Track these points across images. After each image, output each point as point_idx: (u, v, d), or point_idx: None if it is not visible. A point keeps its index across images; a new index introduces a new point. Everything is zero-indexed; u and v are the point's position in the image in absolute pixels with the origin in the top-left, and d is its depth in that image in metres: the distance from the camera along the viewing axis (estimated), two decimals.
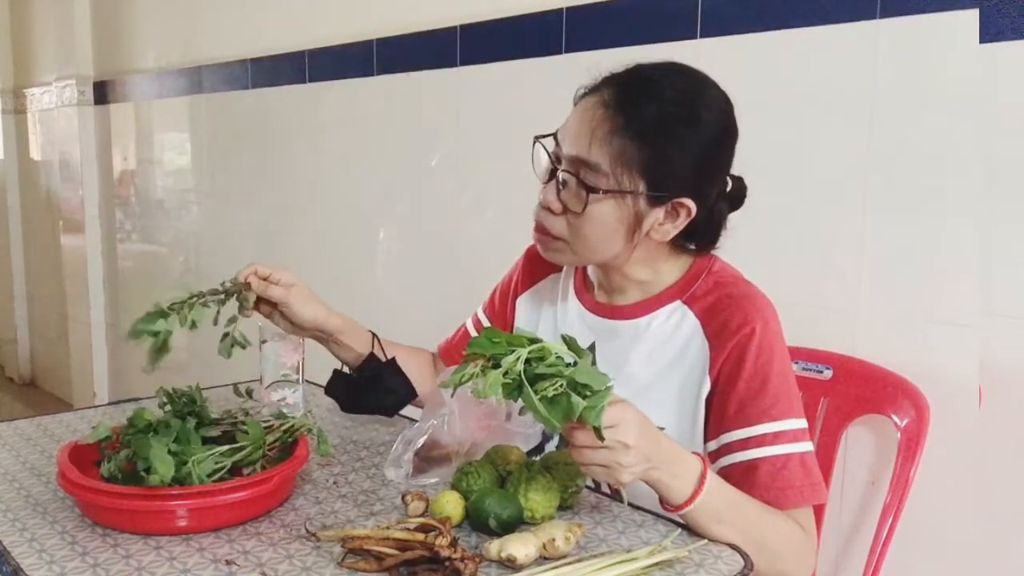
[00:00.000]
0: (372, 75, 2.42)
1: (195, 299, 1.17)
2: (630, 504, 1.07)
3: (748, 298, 1.12)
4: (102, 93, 3.88)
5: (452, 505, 1.01)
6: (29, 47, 4.55)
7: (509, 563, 0.91)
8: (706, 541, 1.00)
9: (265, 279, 1.25)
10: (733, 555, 0.97)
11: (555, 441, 1.23)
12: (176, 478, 0.98)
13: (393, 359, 1.35)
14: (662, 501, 1.02)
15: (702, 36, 1.64)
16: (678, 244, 1.17)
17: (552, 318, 1.30)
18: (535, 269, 1.35)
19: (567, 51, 1.89)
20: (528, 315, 1.34)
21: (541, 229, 1.16)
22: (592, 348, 1.22)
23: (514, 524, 0.99)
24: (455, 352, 1.41)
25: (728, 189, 1.16)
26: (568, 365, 0.94)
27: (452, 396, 1.13)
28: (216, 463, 1.02)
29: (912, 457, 1.36)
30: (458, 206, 2.22)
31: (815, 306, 1.52)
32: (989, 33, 1.30)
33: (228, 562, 0.92)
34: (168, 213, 3.58)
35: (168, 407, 1.13)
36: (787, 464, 1.06)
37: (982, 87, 1.32)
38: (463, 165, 2.21)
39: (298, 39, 2.68)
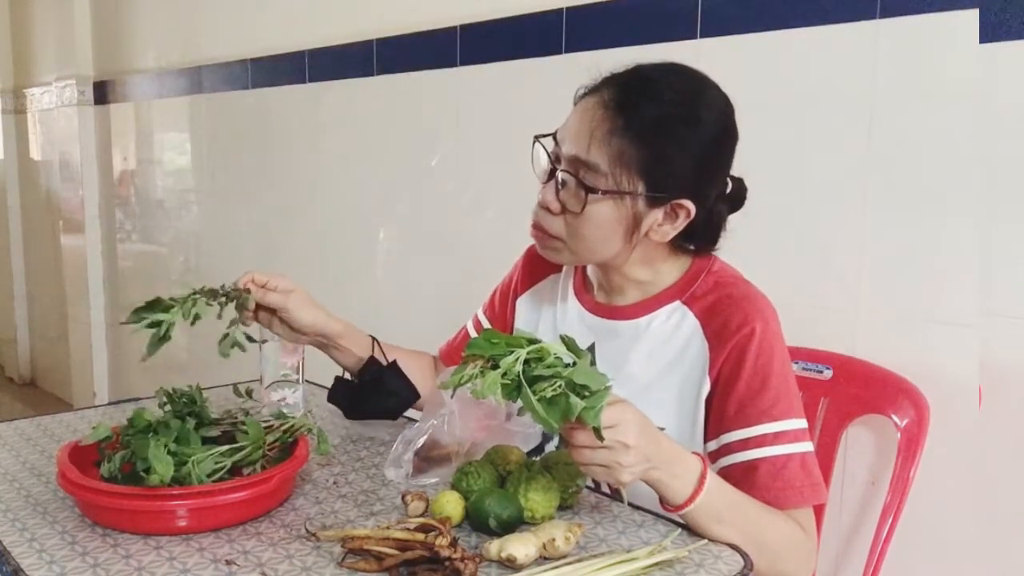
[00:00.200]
0: (372, 75, 2.42)
1: (197, 295, 1.16)
2: (630, 504, 1.07)
3: (748, 298, 1.12)
4: (102, 93, 3.88)
5: (452, 505, 1.02)
6: (29, 47, 4.55)
7: (509, 563, 0.91)
8: (706, 541, 1.00)
9: (263, 286, 1.24)
10: (733, 555, 0.97)
11: (555, 441, 1.23)
12: (176, 478, 0.98)
13: (394, 361, 1.35)
14: (662, 501, 1.02)
15: (702, 36, 1.64)
16: (677, 245, 1.17)
17: (552, 319, 1.30)
18: (535, 270, 1.35)
19: (567, 51, 1.89)
20: (528, 316, 1.34)
21: (539, 228, 1.16)
22: (592, 348, 1.22)
23: (514, 524, 0.99)
24: (456, 354, 1.41)
25: (728, 190, 1.16)
26: (567, 366, 0.94)
27: (452, 397, 1.13)
28: (216, 463, 1.02)
29: (912, 457, 1.36)
30: (458, 206, 2.22)
31: (815, 306, 1.52)
32: (989, 33, 1.30)
33: (228, 562, 0.92)
34: (168, 213, 3.58)
35: (168, 407, 1.13)
36: (787, 464, 1.06)
37: (982, 87, 1.32)
38: (463, 165, 2.21)
39: (298, 39, 2.68)
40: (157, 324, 1.12)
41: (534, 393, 0.92)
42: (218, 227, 3.29)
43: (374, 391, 1.34)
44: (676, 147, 1.08)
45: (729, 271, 1.19)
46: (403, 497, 1.05)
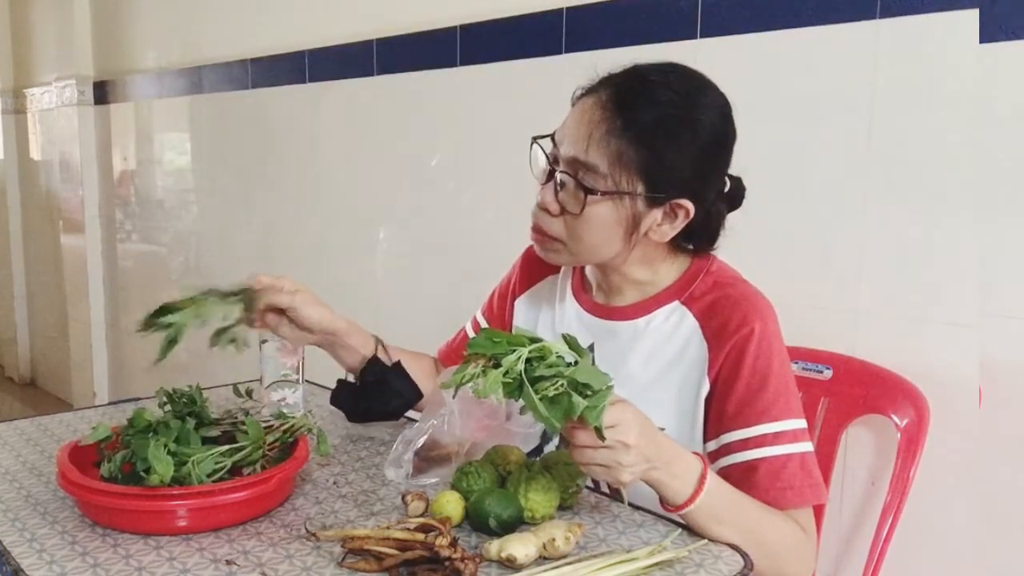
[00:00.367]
0: (372, 75, 2.42)
1: (205, 296, 1.16)
2: (630, 504, 1.07)
3: (747, 298, 1.12)
4: (102, 93, 3.88)
5: (452, 505, 1.01)
6: (29, 47, 4.55)
7: (509, 563, 0.91)
8: (706, 541, 1.00)
9: (270, 287, 1.23)
10: (733, 555, 0.97)
11: (553, 443, 1.23)
12: (176, 478, 0.98)
13: (398, 362, 1.34)
14: (662, 501, 1.02)
15: (702, 36, 1.64)
16: (676, 245, 1.17)
17: (550, 320, 1.30)
18: (533, 271, 1.35)
19: (567, 51, 1.89)
20: (526, 317, 1.34)
21: (538, 230, 1.16)
22: (591, 349, 1.22)
23: (514, 524, 0.99)
24: (455, 355, 1.41)
25: (726, 189, 1.16)
26: (569, 365, 0.94)
27: (454, 397, 1.13)
28: (216, 463, 1.02)
29: (912, 457, 1.36)
30: (458, 206, 2.22)
31: (815, 306, 1.52)
32: (989, 33, 1.30)
33: (228, 562, 0.92)
34: (168, 213, 3.58)
35: (168, 407, 1.13)
36: (787, 464, 1.06)
37: (982, 87, 1.32)
38: (463, 165, 2.21)
39: (298, 39, 2.68)
40: (168, 326, 1.11)
41: (536, 392, 0.92)
42: (218, 227, 3.29)
43: (377, 392, 1.33)
44: (675, 147, 1.08)
45: (728, 271, 1.19)
46: (403, 497, 1.05)
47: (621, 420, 0.94)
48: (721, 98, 1.12)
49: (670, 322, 1.16)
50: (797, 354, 1.47)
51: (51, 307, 4.55)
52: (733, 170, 1.16)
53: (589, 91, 1.12)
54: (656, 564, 0.92)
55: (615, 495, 1.10)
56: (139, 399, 1.38)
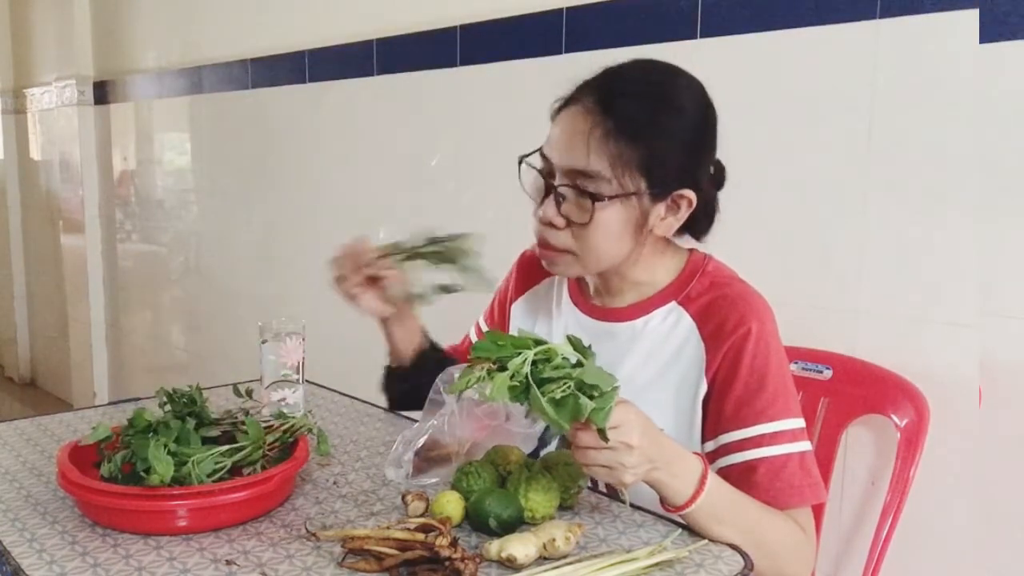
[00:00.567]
0: (372, 75, 2.42)
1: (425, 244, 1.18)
2: (631, 504, 1.06)
3: (743, 298, 1.12)
4: (102, 93, 3.88)
5: (452, 505, 1.01)
6: (29, 47, 4.55)
7: (509, 563, 0.91)
8: (706, 541, 0.99)
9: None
10: (733, 555, 0.97)
11: (552, 446, 1.22)
12: (176, 478, 0.98)
13: (449, 353, 1.35)
14: (663, 501, 1.02)
15: (702, 36, 1.64)
16: (668, 241, 1.18)
17: (547, 323, 1.29)
18: (528, 275, 1.35)
19: (567, 51, 1.89)
20: (523, 321, 1.34)
21: (546, 245, 1.15)
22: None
23: (514, 524, 0.99)
24: (461, 358, 1.40)
25: (712, 172, 1.16)
26: (574, 366, 0.94)
27: (458, 400, 1.13)
28: (216, 463, 1.02)
29: (912, 457, 1.36)
30: (458, 206, 2.22)
31: (815, 306, 1.52)
32: (989, 33, 1.30)
33: (228, 562, 0.92)
34: (168, 213, 3.58)
35: (168, 407, 1.13)
36: (786, 464, 1.06)
37: (982, 87, 1.32)
38: (463, 165, 2.21)
39: (298, 39, 2.68)
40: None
41: (543, 394, 0.92)
42: (218, 227, 3.29)
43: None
44: (668, 137, 1.09)
45: (724, 271, 1.19)
46: (403, 497, 1.05)
47: (624, 421, 0.94)
48: (695, 79, 1.13)
49: (667, 323, 1.16)
50: (797, 354, 1.47)
51: (51, 307, 4.55)
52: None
53: (569, 101, 1.13)
54: (656, 564, 0.92)
55: (615, 495, 1.10)
56: (139, 399, 1.38)
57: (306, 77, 2.67)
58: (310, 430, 1.15)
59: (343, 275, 1.24)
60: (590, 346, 1.20)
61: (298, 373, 1.38)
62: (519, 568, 0.90)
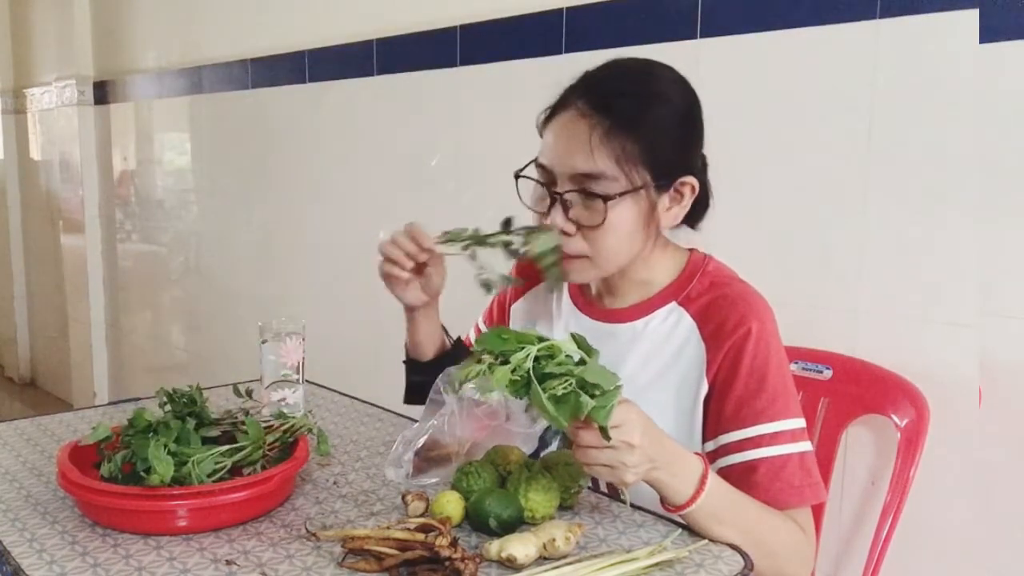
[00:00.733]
0: (372, 75, 2.42)
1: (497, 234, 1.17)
2: (631, 504, 1.06)
3: (743, 298, 1.12)
4: (102, 93, 3.88)
5: (452, 505, 1.01)
6: (29, 47, 4.55)
7: (509, 563, 0.91)
8: (706, 541, 0.99)
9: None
10: (733, 555, 0.97)
11: (552, 447, 1.22)
12: (176, 478, 0.98)
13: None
14: (663, 501, 1.02)
15: (702, 36, 1.64)
16: (669, 240, 1.18)
17: (548, 325, 1.29)
18: (528, 277, 1.35)
19: (567, 51, 1.89)
20: (523, 323, 1.34)
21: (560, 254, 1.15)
22: None
23: (514, 524, 0.99)
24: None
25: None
26: (577, 364, 0.94)
27: (458, 391, 1.12)
28: (216, 463, 1.02)
29: (912, 457, 1.36)
30: (458, 206, 2.22)
31: (815, 306, 1.52)
32: (989, 33, 1.30)
33: (228, 562, 0.92)
34: (168, 213, 3.58)
35: (168, 407, 1.13)
36: (786, 464, 1.06)
37: (982, 87, 1.32)
38: (463, 165, 2.21)
39: (298, 39, 2.68)
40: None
41: (544, 391, 0.92)
42: (218, 227, 3.29)
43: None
44: (662, 127, 1.10)
45: (724, 271, 1.19)
46: (403, 497, 1.05)
47: (625, 420, 0.94)
48: (670, 68, 1.14)
49: (668, 323, 1.16)
50: (797, 354, 1.47)
51: (51, 307, 4.55)
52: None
53: (559, 108, 1.13)
54: (656, 564, 0.92)
55: (615, 495, 1.10)
56: (139, 399, 1.38)
57: (306, 77, 2.67)
58: (310, 430, 1.15)
59: (395, 259, 1.20)
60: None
61: (298, 373, 1.38)
62: (519, 568, 0.90)
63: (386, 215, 2.46)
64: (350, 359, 2.42)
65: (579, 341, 0.97)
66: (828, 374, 1.47)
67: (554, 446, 1.22)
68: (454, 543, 0.89)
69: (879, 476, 1.46)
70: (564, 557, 0.93)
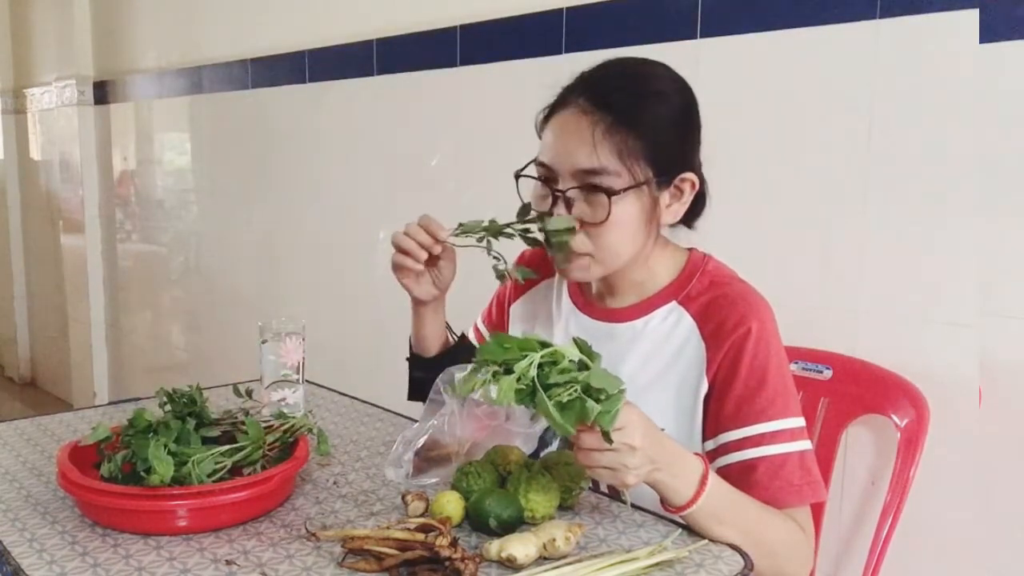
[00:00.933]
0: (372, 75, 2.42)
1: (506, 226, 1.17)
2: (631, 504, 1.06)
3: (743, 297, 1.13)
4: (102, 93, 3.88)
5: (452, 505, 1.01)
6: (29, 47, 4.55)
7: (509, 563, 0.91)
8: (706, 541, 0.99)
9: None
10: (733, 555, 0.97)
11: (553, 447, 1.22)
12: (176, 478, 0.98)
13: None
14: (663, 502, 1.02)
15: (702, 36, 1.64)
16: (669, 240, 1.19)
17: (547, 325, 1.29)
18: (536, 268, 1.34)
19: (567, 51, 1.89)
20: (522, 322, 1.34)
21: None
22: None
23: (514, 524, 0.99)
24: None
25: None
26: (580, 369, 0.94)
27: (460, 397, 1.12)
28: (216, 463, 1.02)
29: (912, 457, 1.36)
30: (458, 206, 2.22)
31: (815, 306, 1.52)
32: (989, 33, 1.30)
33: (228, 562, 0.92)
34: (168, 213, 3.58)
35: (168, 407, 1.13)
36: (785, 463, 1.06)
37: (982, 87, 1.32)
38: (463, 165, 2.21)
39: (298, 39, 2.68)
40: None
41: (549, 398, 0.91)
42: (218, 227, 3.29)
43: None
44: (662, 123, 1.10)
45: (724, 270, 1.19)
46: (403, 497, 1.05)
47: (627, 422, 0.94)
48: (665, 65, 1.15)
49: (667, 322, 1.16)
50: (797, 354, 1.47)
51: (51, 307, 4.55)
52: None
53: (558, 107, 1.13)
54: (656, 564, 0.92)
55: (616, 495, 1.10)
56: (139, 399, 1.38)
57: (306, 77, 2.67)
58: (310, 430, 1.15)
59: (408, 250, 1.20)
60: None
61: (298, 373, 1.38)
62: (519, 568, 0.90)
63: (386, 215, 2.46)
64: (350, 359, 2.42)
65: (581, 346, 0.97)
66: (828, 374, 1.47)
67: (554, 446, 1.22)
68: (454, 543, 0.89)
69: (879, 476, 1.46)
70: (564, 557, 0.93)
